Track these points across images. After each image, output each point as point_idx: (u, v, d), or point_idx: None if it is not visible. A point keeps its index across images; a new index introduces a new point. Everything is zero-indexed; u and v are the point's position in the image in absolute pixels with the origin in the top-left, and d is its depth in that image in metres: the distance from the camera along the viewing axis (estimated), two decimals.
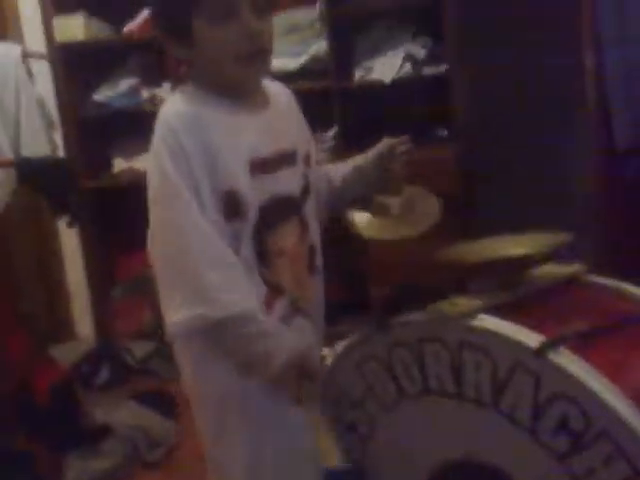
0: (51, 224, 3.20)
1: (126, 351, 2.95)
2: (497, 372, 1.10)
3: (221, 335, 1.15)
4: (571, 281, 1.29)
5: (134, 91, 3.06)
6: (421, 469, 1.26)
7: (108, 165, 3.16)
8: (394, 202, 1.42)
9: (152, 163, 1.20)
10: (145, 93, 3.05)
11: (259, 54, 1.20)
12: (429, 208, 1.40)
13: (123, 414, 2.43)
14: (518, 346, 1.07)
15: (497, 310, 1.16)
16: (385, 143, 1.40)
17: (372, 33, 2.89)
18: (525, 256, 1.25)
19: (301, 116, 1.37)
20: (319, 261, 1.32)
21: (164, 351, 2.87)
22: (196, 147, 1.16)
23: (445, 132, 2.80)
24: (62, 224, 3.06)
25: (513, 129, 2.81)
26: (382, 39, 2.86)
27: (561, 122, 2.65)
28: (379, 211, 1.42)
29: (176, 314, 1.14)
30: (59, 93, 3.02)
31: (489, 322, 1.12)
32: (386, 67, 2.77)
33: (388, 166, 1.38)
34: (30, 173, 2.45)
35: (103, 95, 3.07)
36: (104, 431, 2.30)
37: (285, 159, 1.26)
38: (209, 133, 1.17)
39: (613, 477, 1.00)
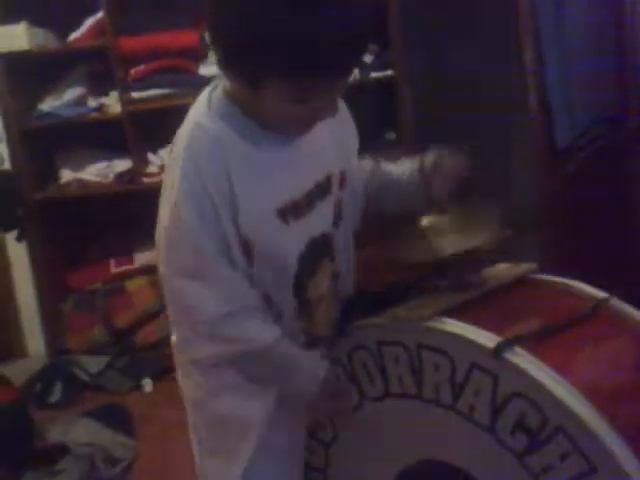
0: None
1: (79, 367, 2.90)
2: (455, 373, 1.11)
3: (249, 364, 1.16)
4: (522, 280, 1.32)
5: (80, 101, 3.01)
6: (385, 471, 1.27)
7: (55, 176, 3.10)
8: (441, 221, 1.20)
9: (168, 190, 1.07)
10: (92, 102, 3.00)
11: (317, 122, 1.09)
12: (485, 218, 1.19)
13: (78, 432, 2.39)
14: (475, 347, 1.09)
15: (453, 311, 1.17)
16: (430, 156, 1.19)
17: None
18: (476, 254, 1.26)
19: (344, 123, 1.21)
20: (340, 285, 1.25)
21: (117, 365, 2.84)
22: (220, 189, 1.05)
23: (393, 135, 2.83)
24: (10, 239, 3.00)
25: (459, 131, 2.86)
26: None
27: (505, 123, 2.70)
28: (426, 233, 1.21)
29: (197, 351, 1.15)
30: (3, 104, 2.95)
31: (446, 324, 1.14)
32: None
33: (429, 183, 1.18)
34: None
35: (49, 105, 3.01)
36: (60, 450, 2.26)
37: (319, 192, 1.15)
38: (234, 169, 1.06)
39: (570, 472, 1.03)
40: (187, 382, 1.24)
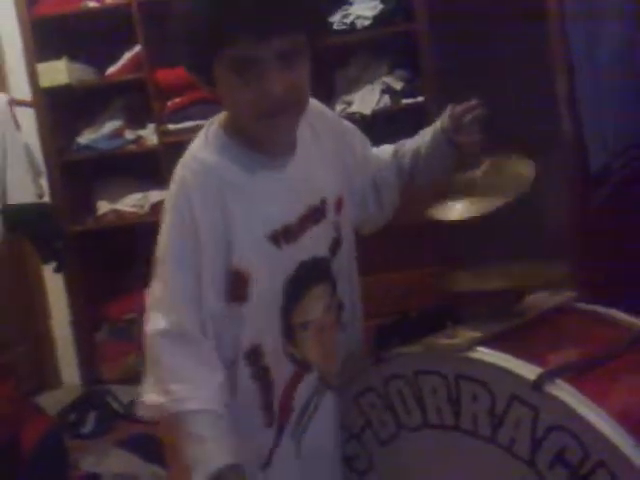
0: (36, 270, 3.19)
1: (112, 397, 2.92)
2: (495, 404, 1.10)
3: (171, 427, 1.11)
4: (561, 309, 1.31)
5: (118, 133, 3.07)
6: None
7: (92, 208, 3.15)
8: (474, 176, 1.19)
9: (165, 213, 1.10)
10: (129, 135, 3.06)
11: (284, 111, 1.06)
12: (519, 169, 1.19)
13: (112, 462, 2.39)
14: (516, 379, 1.07)
15: (492, 341, 1.16)
16: (448, 115, 1.20)
17: (349, 68, 2.96)
18: (518, 289, 1.26)
19: (346, 143, 1.22)
20: (346, 317, 1.24)
21: None
22: (209, 219, 1.06)
23: None
24: (47, 270, 3.06)
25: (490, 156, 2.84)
26: (359, 74, 2.92)
27: (537, 151, 2.69)
28: (460, 190, 1.19)
29: (145, 395, 1.11)
30: (44, 138, 3.02)
31: (486, 355, 1.12)
32: (365, 100, 2.83)
33: (458, 141, 1.19)
34: (17, 220, 2.44)
35: (87, 138, 3.08)
36: None
37: (313, 216, 1.15)
38: (226, 200, 1.07)
39: None
40: None
